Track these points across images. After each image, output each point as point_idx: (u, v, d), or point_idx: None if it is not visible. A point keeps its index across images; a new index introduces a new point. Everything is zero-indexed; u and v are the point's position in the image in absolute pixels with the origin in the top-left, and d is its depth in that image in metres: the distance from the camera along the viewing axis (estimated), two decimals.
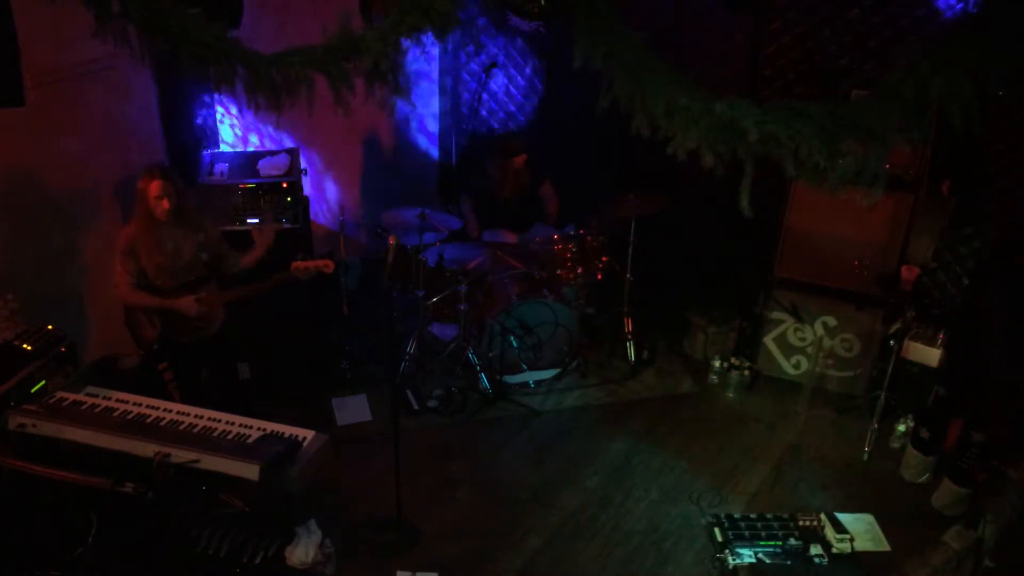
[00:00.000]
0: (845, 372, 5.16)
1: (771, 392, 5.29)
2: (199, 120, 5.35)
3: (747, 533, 4.00)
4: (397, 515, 4.05)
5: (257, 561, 3.51)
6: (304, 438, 3.65)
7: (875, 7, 5.16)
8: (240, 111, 5.48)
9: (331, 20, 3.25)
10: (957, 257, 5.37)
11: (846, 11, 5.23)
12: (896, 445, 4.74)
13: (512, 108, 6.56)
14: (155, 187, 3.83)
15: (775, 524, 4.06)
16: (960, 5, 4.73)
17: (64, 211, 4.41)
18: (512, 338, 5.10)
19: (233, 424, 3.68)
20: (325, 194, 6.15)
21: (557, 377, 5.36)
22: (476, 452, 4.75)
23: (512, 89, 6.50)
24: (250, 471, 3.37)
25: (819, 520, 4.09)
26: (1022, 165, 5.14)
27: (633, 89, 3.05)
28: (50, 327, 3.88)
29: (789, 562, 3.86)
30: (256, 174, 4.79)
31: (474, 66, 6.33)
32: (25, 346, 3.76)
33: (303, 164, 4.91)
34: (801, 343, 5.24)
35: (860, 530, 4.12)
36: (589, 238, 5.32)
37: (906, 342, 4.75)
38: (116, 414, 3.68)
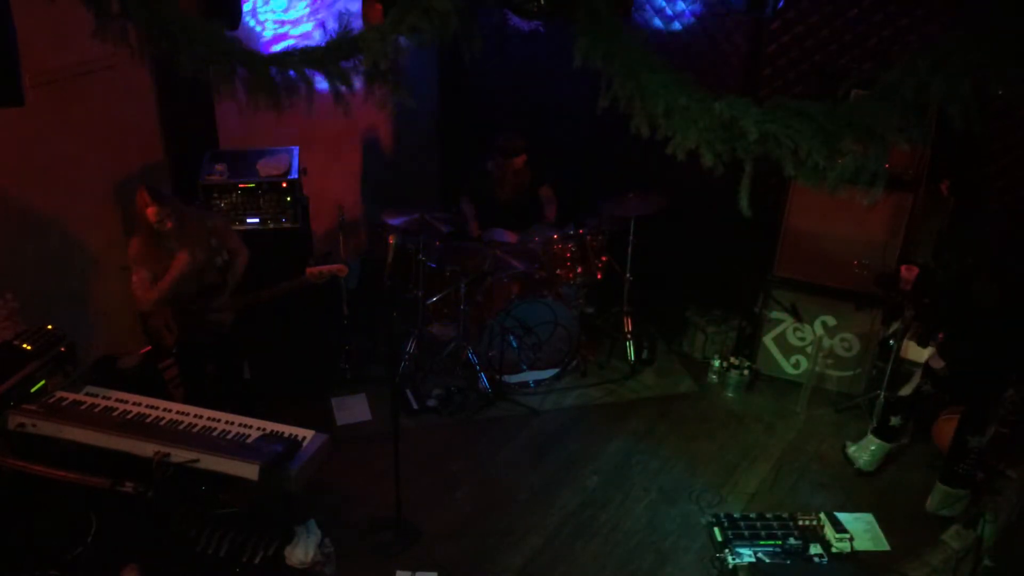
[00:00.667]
0: (844, 372, 5.17)
1: (770, 392, 5.29)
2: (199, 120, 5.32)
3: (747, 533, 4.00)
4: (397, 515, 4.06)
5: (257, 561, 3.53)
6: (304, 438, 3.65)
7: (875, 7, 5.15)
8: (240, 111, 5.45)
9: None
10: (957, 257, 5.35)
11: (845, 11, 5.23)
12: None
13: (511, 107, 6.54)
14: (151, 213, 3.81)
15: (775, 524, 4.06)
16: None
17: (64, 211, 4.40)
18: (512, 338, 5.10)
19: (233, 423, 3.68)
20: (325, 194, 6.14)
21: (557, 377, 5.36)
22: (476, 452, 4.76)
23: (512, 88, 6.48)
24: (250, 471, 3.38)
25: (819, 519, 4.10)
26: (1022, 165, 5.14)
27: (632, 89, 3.05)
28: (50, 327, 3.88)
29: (789, 562, 3.86)
30: (255, 173, 4.78)
31: (474, 65, 6.32)
32: (25, 346, 3.77)
33: (302, 164, 4.90)
34: (800, 343, 5.24)
35: (860, 529, 4.13)
36: (589, 238, 5.32)
37: (906, 342, 4.76)
38: (116, 414, 3.69)
